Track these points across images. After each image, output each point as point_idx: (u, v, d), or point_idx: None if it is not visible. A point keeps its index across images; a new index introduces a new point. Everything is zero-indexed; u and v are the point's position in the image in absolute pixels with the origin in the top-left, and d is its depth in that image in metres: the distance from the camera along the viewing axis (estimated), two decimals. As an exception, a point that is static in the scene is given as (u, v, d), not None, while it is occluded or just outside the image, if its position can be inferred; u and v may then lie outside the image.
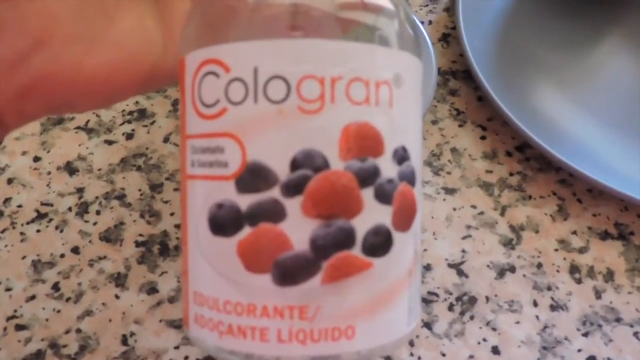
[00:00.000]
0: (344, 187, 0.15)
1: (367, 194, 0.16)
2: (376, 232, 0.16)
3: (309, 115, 0.15)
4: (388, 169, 0.16)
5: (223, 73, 0.16)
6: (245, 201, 0.15)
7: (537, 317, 0.29)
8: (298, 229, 0.15)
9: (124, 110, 0.35)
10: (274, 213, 0.15)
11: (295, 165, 0.15)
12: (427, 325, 0.28)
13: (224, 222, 0.16)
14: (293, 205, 0.15)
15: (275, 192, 0.15)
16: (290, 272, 0.15)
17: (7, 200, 0.32)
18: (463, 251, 0.31)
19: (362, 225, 0.15)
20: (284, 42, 0.15)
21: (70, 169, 0.33)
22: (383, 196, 0.16)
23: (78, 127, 0.35)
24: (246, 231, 0.15)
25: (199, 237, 0.16)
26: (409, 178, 0.17)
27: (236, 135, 0.15)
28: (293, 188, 0.15)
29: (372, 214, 0.16)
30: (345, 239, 0.15)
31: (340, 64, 0.15)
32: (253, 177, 0.15)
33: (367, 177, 0.15)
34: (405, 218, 0.17)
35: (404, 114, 0.17)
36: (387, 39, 0.16)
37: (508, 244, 0.31)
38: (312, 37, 0.15)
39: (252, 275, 0.15)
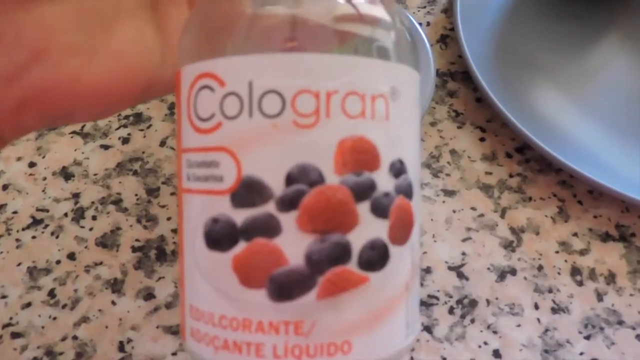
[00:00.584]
0: (339, 202, 0.15)
1: (363, 208, 0.15)
2: (372, 246, 0.15)
3: (304, 129, 0.15)
4: (384, 182, 0.16)
5: (218, 87, 0.15)
6: (240, 216, 0.15)
7: (538, 320, 0.28)
8: (293, 244, 0.15)
9: (120, 115, 0.35)
10: (269, 228, 0.15)
11: (290, 179, 0.15)
12: (428, 329, 0.28)
13: (219, 236, 0.15)
14: (288, 220, 0.15)
15: (270, 207, 0.15)
16: (286, 288, 0.15)
17: (2, 207, 0.31)
18: (463, 254, 0.30)
19: (358, 239, 0.15)
20: (278, 57, 0.15)
21: (66, 174, 0.33)
22: (379, 210, 0.16)
23: (74, 132, 0.34)
24: (241, 246, 0.15)
25: (195, 251, 0.16)
26: (406, 191, 0.17)
27: (231, 150, 0.15)
28: (288, 203, 0.15)
29: (368, 228, 0.15)
30: (341, 253, 0.15)
31: (335, 77, 0.15)
32: (248, 191, 0.15)
33: (363, 191, 0.15)
34: (402, 231, 0.16)
35: (401, 126, 0.16)
36: (384, 51, 0.16)
37: (508, 246, 0.31)
38: (307, 51, 0.15)
39: (248, 290, 0.15)
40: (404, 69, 0.17)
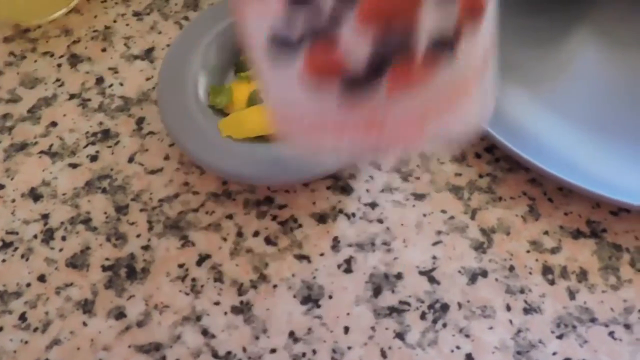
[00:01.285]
0: None
1: None
2: (440, 33, 0.14)
3: None
4: None
5: None
6: (298, 17, 0.14)
7: (510, 321, 0.28)
8: (354, 41, 0.14)
9: (87, 132, 0.35)
10: (328, 25, 0.14)
11: None
12: (400, 335, 0.28)
13: (281, 43, 0.15)
14: (347, 15, 0.13)
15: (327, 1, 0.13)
16: (353, 89, 0.15)
17: (-29, 231, 0.31)
18: (434, 257, 0.30)
19: (423, 27, 0.14)
20: None
21: (35, 195, 0.33)
22: None
23: (41, 152, 0.34)
24: (304, 51, 0.15)
25: (261, 61, 0.16)
26: None
27: None
28: None
29: (433, 14, 0.14)
30: (406, 44, 0.14)
31: None
32: None
33: None
34: (472, 15, 0.15)
35: None
36: None
37: (479, 247, 0.31)
38: None
39: (318, 94, 0.15)
40: None
